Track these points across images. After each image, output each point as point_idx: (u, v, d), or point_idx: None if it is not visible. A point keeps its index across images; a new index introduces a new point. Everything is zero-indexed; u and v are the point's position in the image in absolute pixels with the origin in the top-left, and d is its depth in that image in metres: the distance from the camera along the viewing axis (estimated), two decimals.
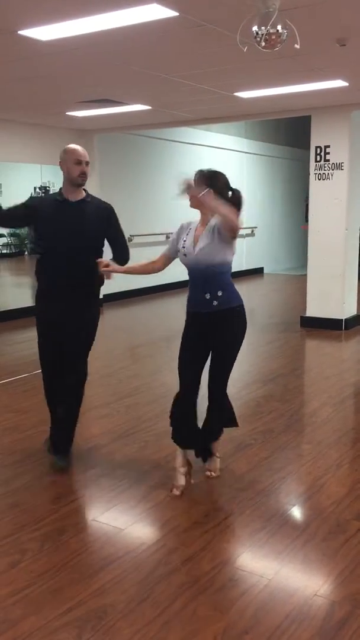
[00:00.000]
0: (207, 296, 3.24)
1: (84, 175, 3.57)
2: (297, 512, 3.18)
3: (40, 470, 3.67)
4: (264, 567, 2.67)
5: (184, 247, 3.30)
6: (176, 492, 3.35)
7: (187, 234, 3.32)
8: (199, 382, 3.38)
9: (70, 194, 3.63)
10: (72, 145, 3.63)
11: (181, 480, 3.40)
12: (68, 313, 3.64)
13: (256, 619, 2.31)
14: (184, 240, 3.31)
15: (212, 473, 3.55)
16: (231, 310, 3.28)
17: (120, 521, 3.09)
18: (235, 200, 3.21)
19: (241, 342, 3.34)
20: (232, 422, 3.56)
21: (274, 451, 3.91)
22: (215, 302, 3.23)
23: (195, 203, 3.23)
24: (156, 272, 3.53)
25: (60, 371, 3.76)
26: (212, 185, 3.17)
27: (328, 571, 2.63)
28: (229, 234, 3.15)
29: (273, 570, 2.64)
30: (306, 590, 2.50)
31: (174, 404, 3.41)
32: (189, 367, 3.36)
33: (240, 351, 3.35)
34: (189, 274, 3.33)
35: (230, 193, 3.25)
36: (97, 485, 3.52)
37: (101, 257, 3.56)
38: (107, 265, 3.43)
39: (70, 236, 3.56)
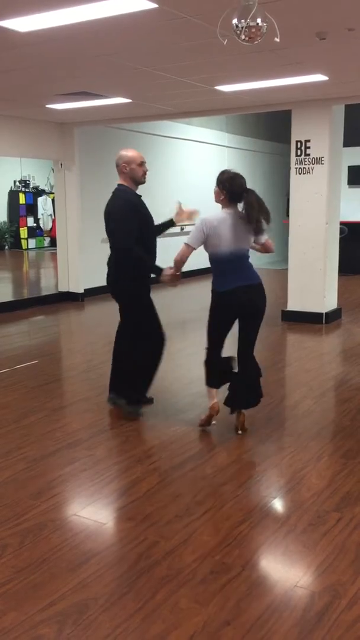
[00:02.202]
0: None
1: (145, 175, 4.22)
2: (277, 505, 3.20)
3: (21, 465, 3.65)
4: (245, 559, 2.69)
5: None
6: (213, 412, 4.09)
7: None
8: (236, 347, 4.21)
9: (135, 191, 4.23)
10: (132, 150, 4.25)
11: (213, 402, 4.06)
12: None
13: (237, 611, 2.33)
14: None
15: (240, 431, 4.06)
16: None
17: (101, 515, 3.08)
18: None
19: (210, 320, 4.03)
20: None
21: (255, 444, 3.93)
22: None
23: (215, 199, 3.93)
24: None
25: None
26: (225, 188, 3.84)
27: (308, 562, 2.65)
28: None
29: (254, 562, 2.65)
30: (287, 582, 2.52)
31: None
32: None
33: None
34: None
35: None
36: (78, 480, 3.51)
37: None
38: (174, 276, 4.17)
39: (152, 226, 4.28)
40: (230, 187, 3.83)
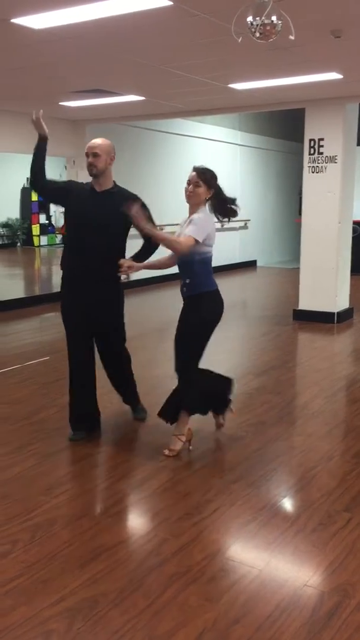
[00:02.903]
0: (181, 282, 3.62)
1: (91, 167, 3.75)
2: (287, 504, 3.19)
3: (32, 461, 3.66)
4: (255, 557, 2.69)
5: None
6: (168, 452, 3.67)
7: (181, 227, 3.61)
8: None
9: (95, 184, 3.82)
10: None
11: (177, 445, 3.69)
12: (96, 305, 3.86)
13: (246, 609, 2.33)
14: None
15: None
16: (191, 298, 3.59)
17: (112, 512, 3.09)
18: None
19: (193, 328, 3.60)
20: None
21: (266, 443, 3.93)
22: (184, 289, 3.60)
23: (192, 200, 3.54)
24: (172, 266, 3.77)
25: (91, 360, 3.99)
26: (205, 180, 3.51)
27: (318, 562, 2.64)
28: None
29: (263, 561, 2.65)
30: (296, 581, 2.51)
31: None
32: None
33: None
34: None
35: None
36: (88, 476, 3.52)
37: (123, 248, 3.81)
38: (129, 267, 3.64)
39: (94, 226, 3.72)
40: (216, 185, 3.56)
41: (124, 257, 3.73)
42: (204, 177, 3.51)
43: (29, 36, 4.46)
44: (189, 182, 3.53)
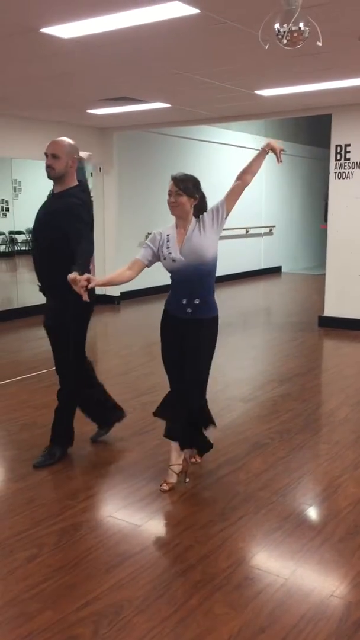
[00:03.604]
0: (180, 302, 3.28)
1: (48, 168, 3.52)
2: (313, 513, 3.16)
3: (58, 466, 3.69)
4: (280, 566, 2.67)
5: (170, 253, 3.25)
6: (165, 487, 3.37)
7: (168, 241, 3.27)
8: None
9: (55, 187, 3.61)
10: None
11: (172, 478, 3.40)
12: (48, 313, 3.70)
13: (272, 618, 2.31)
14: (167, 248, 3.26)
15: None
16: (211, 320, 3.32)
17: (137, 518, 3.10)
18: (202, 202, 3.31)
19: (211, 351, 3.34)
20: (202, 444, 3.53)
21: (291, 451, 3.90)
22: (188, 309, 3.27)
23: (177, 211, 3.27)
24: (129, 281, 3.31)
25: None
26: (185, 189, 3.22)
27: (344, 572, 2.61)
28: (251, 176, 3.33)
29: (289, 570, 2.63)
30: (322, 591, 2.49)
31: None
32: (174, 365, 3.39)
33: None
34: (174, 277, 3.33)
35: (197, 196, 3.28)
36: (113, 482, 3.53)
37: (70, 254, 3.29)
38: (87, 280, 2.98)
39: (39, 229, 3.53)
40: (199, 191, 3.31)
41: (72, 263, 3.17)
42: (184, 186, 3.22)
43: (58, 45, 4.51)
44: (170, 193, 3.25)
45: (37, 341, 7.31)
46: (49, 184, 3.71)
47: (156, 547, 2.83)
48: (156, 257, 3.30)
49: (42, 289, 3.69)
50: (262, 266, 13.10)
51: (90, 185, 3.87)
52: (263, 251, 13.09)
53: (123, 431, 4.25)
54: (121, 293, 9.53)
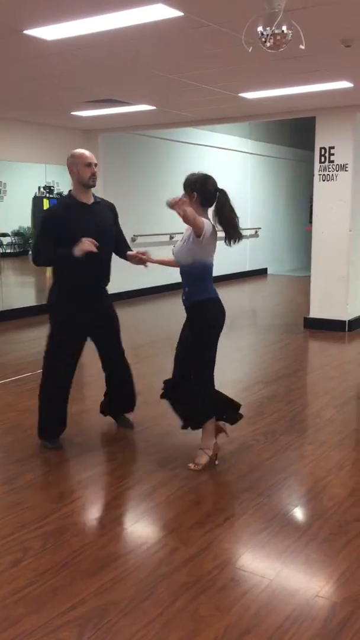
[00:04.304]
0: (182, 291, 3.61)
1: (94, 177, 3.75)
2: (299, 513, 3.18)
3: (43, 469, 3.67)
4: (266, 567, 2.67)
5: (174, 246, 3.64)
6: (193, 467, 3.61)
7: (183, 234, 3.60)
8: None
9: (83, 197, 3.80)
10: (80, 150, 3.82)
11: (202, 459, 3.63)
12: (99, 314, 3.94)
13: (257, 619, 2.31)
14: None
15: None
16: (193, 305, 3.55)
17: (122, 520, 3.09)
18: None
19: (201, 337, 3.55)
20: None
21: (277, 452, 3.91)
22: (184, 297, 3.58)
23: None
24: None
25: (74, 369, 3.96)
26: (195, 189, 3.45)
27: (330, 572, 2.62)
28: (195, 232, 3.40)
29: (274, 570, 2.64)
30: (308, 591, 2.50)
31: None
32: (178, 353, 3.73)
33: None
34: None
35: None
36: (99, 484, 3.52)
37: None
38: (143, 254, 3.83)
39: (97, 238, 3.65)
40: (202, 187, 3.43)
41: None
42: (184, 184, 3.48)
43: (41, 47, 4.50)
44: None
45: (22, 344, 7.29)
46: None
47: (142, 550, 2.82)
48: None
49: (95, 292, 3.92)
50: (248, 268, 13.14)
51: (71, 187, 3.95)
52: (249, 253, 13.13)
53: (108, 434, 4.24)
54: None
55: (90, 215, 3.78)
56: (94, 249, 3.59)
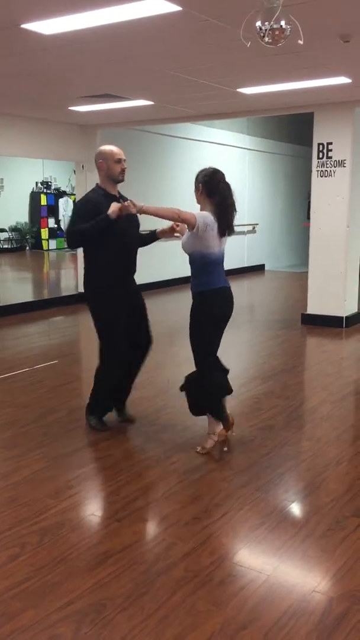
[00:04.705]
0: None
1: (124, 172, 3.97)
2: (296, 509, 3.18)
3: (40, 464, 3.67)
4: (263, 562, 2.68)
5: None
6: (200, 450, 3.78)
7: None
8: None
9: (112, 190, 4.00)
10: (109, 146, 4.00)
11: (208, 443, 3.79)
12: (133, 296, 4.10)
13: (254, 615, 2.32)
14: None
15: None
16: (194, 296, 3.71)
17: (119, 515, 3.09)
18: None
19: (197, 326, 3.68)
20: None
21: (274, 448, 3.91)
22: (191, 286, 3.77)
23: (198, 203, 3.69)
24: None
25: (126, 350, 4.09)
26: (201, 181, 3.63)
27: (326, 567, 2.63)
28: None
29: (271, 566, 2.64)
30: (304, 586, 2.50)
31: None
32: None
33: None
34: None
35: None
36: (96, 480, 3.52)
37: None
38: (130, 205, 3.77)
39: (130, 228, 3.95)
40: (206, 180, 3.60)
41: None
42: (197, 176, 3.68)
43: (39, 41, 4.48)
44: None
45: (19, 340, 7.28)
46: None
47: (139, 545, 2.82)
48: None
49: (127, 273, 4.07)
50: (246, 264, 13.13)
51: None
52: (246, 249, 13.12)
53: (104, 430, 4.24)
54: None
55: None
56: (127, 209, 3.73)
